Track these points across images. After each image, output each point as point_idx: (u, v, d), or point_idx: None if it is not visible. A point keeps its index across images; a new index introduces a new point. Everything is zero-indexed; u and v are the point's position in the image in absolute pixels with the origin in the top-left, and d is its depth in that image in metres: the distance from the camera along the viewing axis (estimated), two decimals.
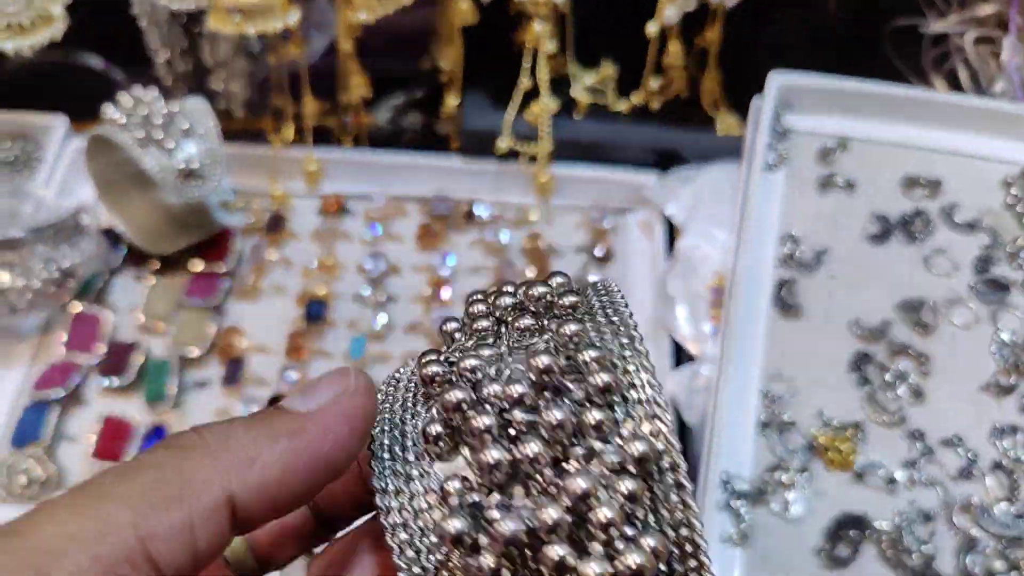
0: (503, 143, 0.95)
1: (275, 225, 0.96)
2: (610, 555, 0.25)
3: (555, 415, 0.26)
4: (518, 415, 0.27)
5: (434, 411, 0.28)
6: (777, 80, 0.86)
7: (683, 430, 0.82)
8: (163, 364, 0.85)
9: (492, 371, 0.28)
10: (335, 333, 0.89)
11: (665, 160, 0.96)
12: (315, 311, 0.89)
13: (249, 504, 0.25)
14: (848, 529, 0.69)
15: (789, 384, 0.75)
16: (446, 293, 0.91)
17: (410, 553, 0.27)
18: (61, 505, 0.24)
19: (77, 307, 0.87)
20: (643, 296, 0.92)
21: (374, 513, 0.30)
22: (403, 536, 0.27)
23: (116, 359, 0.85)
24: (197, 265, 0.91)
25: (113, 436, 0.81)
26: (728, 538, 0.69)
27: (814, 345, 0.77)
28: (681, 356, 0.86)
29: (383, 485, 0.28)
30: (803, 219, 0.83)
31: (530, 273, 0.93)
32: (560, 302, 0.31)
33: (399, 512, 0.28)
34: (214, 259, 0.91)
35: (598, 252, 0.95)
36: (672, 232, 0.93)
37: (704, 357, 0.83)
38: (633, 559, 0.25)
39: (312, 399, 0.28)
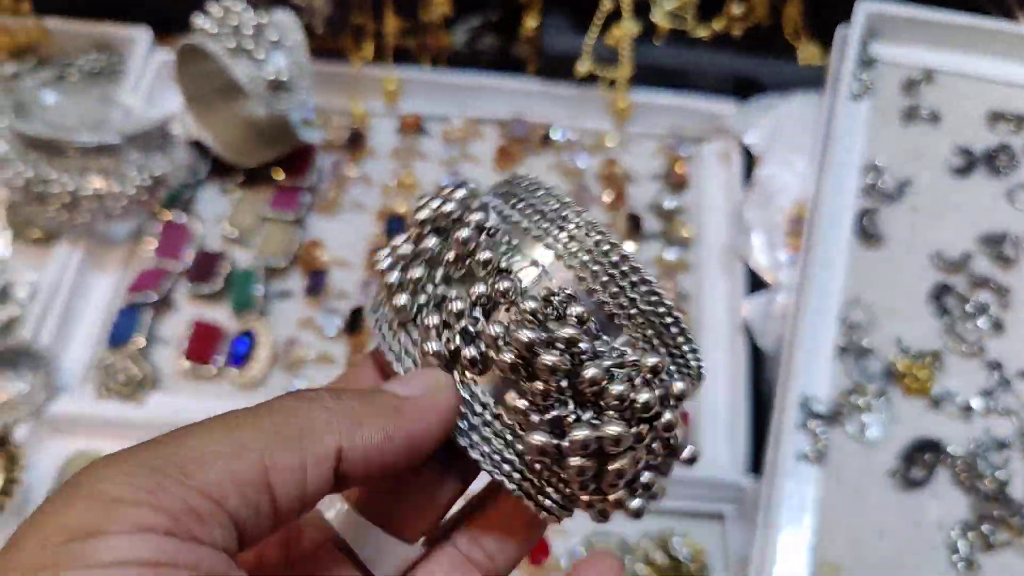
0: (583, 66, 0.95)
1: (354, 142, 0.97)
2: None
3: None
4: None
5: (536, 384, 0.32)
6: (865, 9, 0.85)
7: (757, 355, 0.83)
8: (249, 273, 0.87)
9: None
10: None
11: (744, 88, 0.96)
12: (396, 227, 0.91)
13: (352, 460, 0.29)
14: (923, 453, 0.71)
15: (868, 311, 0.76)
16: None
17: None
18: (201, 427, 0.28)
19: (166, 215, 0.90)
20: (717, 224, 0.93)
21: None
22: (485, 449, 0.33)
23: (204, 267, 0.88)
24: (280, 179, 0.93)
25: (203, 339, 0.84)
26: (804, 456, 0.71)
27: (894, 274, 0.78)
28: (756, 284, 0.86)
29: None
30: (886, 150, 0.83)
31: (607, 198, 0.94)
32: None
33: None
34: (296, 174, 0.93)
35: (673, 179, 0.95)
36: (749, 161, 0.93)
37: (779, 285, 0.84)
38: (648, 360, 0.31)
39: (408, 388, 0.32)
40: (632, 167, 0.97)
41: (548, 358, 0.31)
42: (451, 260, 0.34)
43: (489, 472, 0.33)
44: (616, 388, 0.31)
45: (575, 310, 0.32)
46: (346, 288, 0.89)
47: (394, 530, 0.35)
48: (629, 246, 0.90)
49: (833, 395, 0.74)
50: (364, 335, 0.85)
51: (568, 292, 0.33)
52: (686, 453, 0.35)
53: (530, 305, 0.31)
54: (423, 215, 0.35)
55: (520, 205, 0.36)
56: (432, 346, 0.33)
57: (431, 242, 0.34)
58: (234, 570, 0.26)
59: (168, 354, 0.85)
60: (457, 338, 0.33)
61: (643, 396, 0.31)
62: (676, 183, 0.95)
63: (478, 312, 0.33)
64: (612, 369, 0.31)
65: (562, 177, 0.96)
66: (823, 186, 0.80)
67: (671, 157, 0.97)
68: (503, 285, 0.32)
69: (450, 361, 0.33)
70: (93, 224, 0.86)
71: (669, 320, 0.34)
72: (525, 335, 0.31)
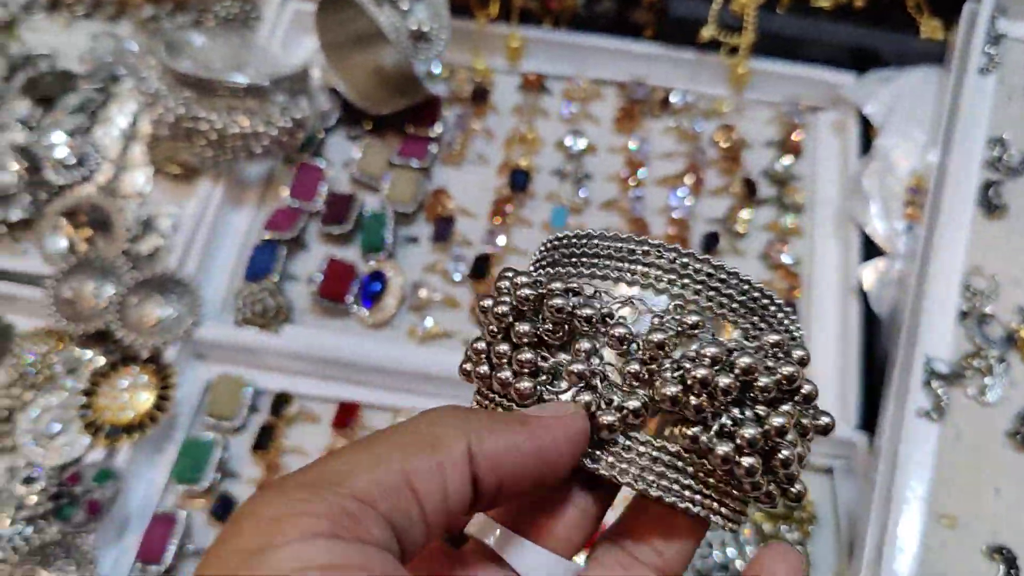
0: (707, 31, 0.97)
1: (478, 97, 1.00)
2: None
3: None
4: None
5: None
6: None
7: (871, 320, 0.86)
8: (380, 216, 0.91)
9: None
10: (535, 203, 0.95)
11: (862, 60, 0.98)
12: (519, 181, 0.94)
13: (482, 465, 0.31)
14: None
15: (990, 279, 0.79)
16: (641, 174, 0.95)
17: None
18: (347, 448, 0.30)
19: (301, 157, 0.94)
20: (831, 192, 0.95)
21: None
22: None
23: (336, 209, 0.92)
24: (409, 128, 0.96)
25: (336, 277, 0.88)
26: (924, 414, 0.74)
27: (1017, 245, 0.80)
28: (869, 250, 0.89)
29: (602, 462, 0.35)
30: (1012, 125, 0.85)
31: (721, 164, 0.97)
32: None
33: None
34: (424, 124, 0.96)
35: (788, 147, 0.98)
36: (867, 132, 0.95)
37: (896, 253, 0.86)
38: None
39: (538, 411, 0.34)
40: (748, 133, 0.99)
41: (724, 380, 0.32)
42: (550, 330, 0.35)
43: (661, 497, 0.34)
44: (763, 380, 0.33)
45: (692, 319, 0.34)
46: (470, 236, 0.92)
47: (549, 547, 0.35)
48: (745, 212, 0.93)
49: (954, 358, 0.76)
50: (489, 281, 0.89)
51: (678, 304, 0.35)
52: (825, 420, 0.35)
53: (658, 337, 0.33)
54: (503, 309, 0.36)
55: (586, 260, 0.37)
56: (524, 384, 0.35)
57: (525, 327, 0.35)
58: (401, 570, 0.28)
59: (301, 290, 0.89)
60: (587, 395, 0.34)
61: (786, 370, 0.33)
62: (791, 150, 0.97)
63: (606, 367, 0.35)
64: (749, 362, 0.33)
65: (678, 141, 0.99)
66: (948, 158, 0.82)
67: (787, 125, 0.99)
68: (618, 332, 0.34)
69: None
70: (234, 162, 0.90)
71: (766, 301, 0.36)
72: (701, 371, 0.32)
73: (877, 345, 0.85)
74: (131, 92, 0.99)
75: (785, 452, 0.33)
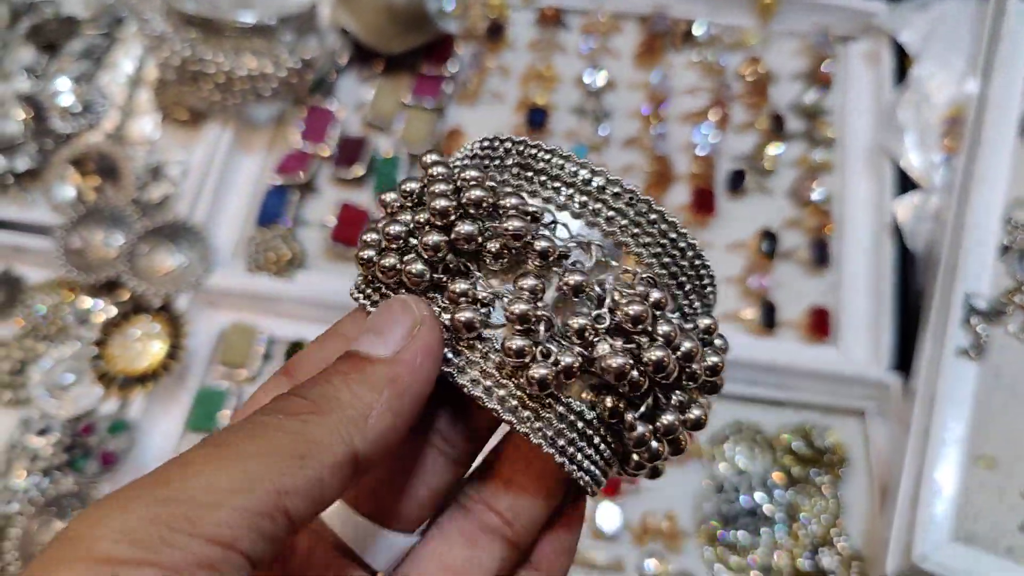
0: None
1: (493, 33, 0.96)
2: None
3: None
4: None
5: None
6: None
7: (906, 256, 0.82)
8: (395, 159, 0.88)
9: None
10: (554, 142, 0.91)
11: None
12: (537, 118, 0.90)
13: (371, 454, 0.27)
14: None
15: None
16: (663, 111, 0.92)
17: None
18: (206, 460, 0.25)
19: (311, 100, 0.91)
20: (863, 125, 0.91)
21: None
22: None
23: (348, 152, 0.89)
24: (422, 67, 0.93)
25: (350, 221, 0.85)
26: (963, 352, 0.71)
27: None
28: (905, 184, 0.85)
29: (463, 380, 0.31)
30: None
31: (747, 99, 0.93)
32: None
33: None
34: (436, 62, 0.93)
35: (817, 79, 0.93)
36: (901, 62, 0.91)
37: (932, 186, 0.83)
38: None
39: (389, 340, 0.29)
40: (775, 65, 0.95)
41: (656, 354, 0.29)
42: (494, 252, 0.31)
43: (563, 463, 0.31)
44: (693, 367, 0.31)
45: (655, 296, 0.30)
46: None
47: (391, 523, 0.33)
48: (772, 147, 0.89)
49: (994, 294, 0.73)
50: None
51: (647, 277, 0.32)
52: (697, 413, 0.33)
53: (635, 309, 0.30)
54: (441, 204, 0.31)
55: (543, 178, 0.33)
56: (466, 315, 0.30)
57: (467, 228, 0.31)
58: None
59: (313, 235, 0.87)
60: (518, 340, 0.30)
61: (713, 360, 0.32)
62: (820, 82, 0.93)
63: (548, 312, 0.31)
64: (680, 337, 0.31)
65: (702, 75, 0.95)
66: (989, 86, 0.78)
67: (816, 56, 0.94)
68: (573, 280, 0.30)
69: (479, 336, 0.31)
70: (243, 105, 0.87)
71: (707, 281, 0.34)
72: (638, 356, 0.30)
73: (912, 283, 0.81)
74: (136, 36, 0.96)
75: (682, 439, 0.32)
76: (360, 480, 0.28)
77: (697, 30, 0.96)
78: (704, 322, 0.33)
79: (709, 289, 0.34)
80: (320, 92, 0.92)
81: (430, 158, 0.33)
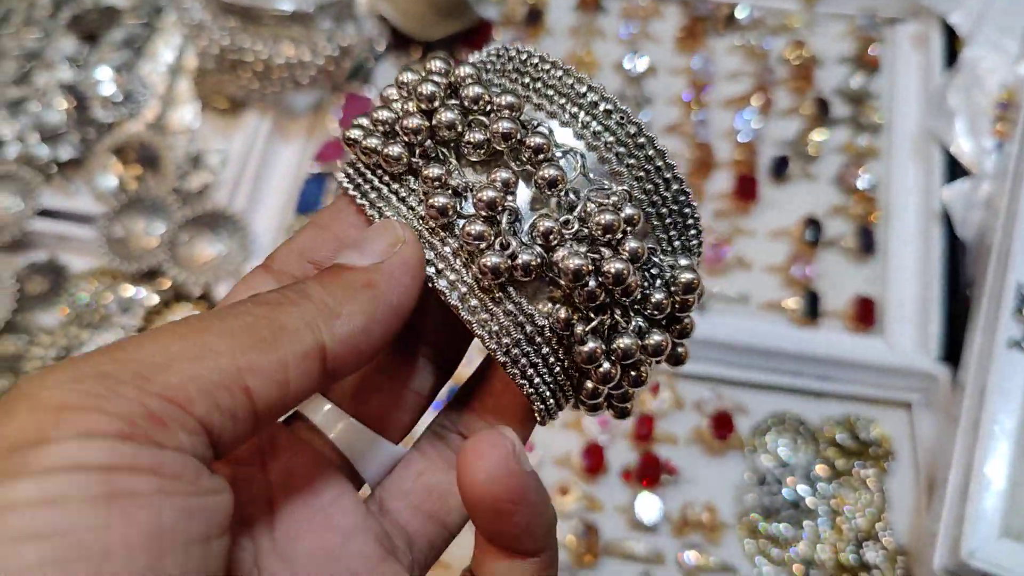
0: None
1: (532, 19, 0.95)
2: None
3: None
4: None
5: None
6: None
7: (955, 244, 0.80)
8: None
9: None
10: None
11: None
12: None
13: (339, 353, 0.27)
14: None
15: None
16: (704, 97, 0.90)
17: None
18: (164, 331, 0.25)
19: (350, 87, 0.91)
20: (911, 110, 0.89)
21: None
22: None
23: None
24: (459, 53, 0.92)
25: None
26: (1015, 344, 0.69)
27: None
28: (955, 171, 0.83)
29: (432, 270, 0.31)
30: None
31: (791, 83, 0.91)
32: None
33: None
34: (475, 49, 0.92)
35: (864, 62, 0.91)
36: (951, 45, 0.88)
37: (983, 173, 0.80)
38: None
39: (370, 252, 0.29)
40: (820, 49, 0.93)
41: (632, 280, 0.30)
42: (474, 142, 0.31)
43: (505, 364, 0.31)
44: (658, 296, 0.31)
45: (628, 211, 0.30)
46: None
47: (379, 429, 0.34)
48: (817, 133, 0.87)
49: None
50: None
51: (623, 189, 0.31)
52: (680, 350, 0.34)
53: (607, 218, 0.30)
54: (427, 89, 0.31)
55: (539, 85, 0.33)
56: (440, 200, 0.30)
57: (448, 115, 0.31)
58: (205, 476, 0.24)
59: None
60: (477, 225, 0.30)
61: (684, 296, 0.32)
62: (867, 66, 0.91)
63: (518, 203, 0.31)
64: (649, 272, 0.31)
65: (745, 60, 0.93)
66: None
67: (862, 39, 0.92)
68: (549, 173, 0.30)
69: (449, 224, 0.31)
70: (281, 94, 0.87)
71: (692, 220, 0.33)
72: (619, 263, 0.30)
73: (961, 272, 0.79)
74: (175, 25, 0.96)
75: (643, 371, 0.32)
76: (332, 383, 0.29)
77: (740, 13, 0.94)
78: (682, 261, 0.32)
79: (693, 232, 0.33)
80: (358, 79, 0.92)
81: (433, 57, 0.33)
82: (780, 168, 0.87)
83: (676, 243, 0.33)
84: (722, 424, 0.76)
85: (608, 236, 0.30)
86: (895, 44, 0.92)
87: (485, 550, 0.31)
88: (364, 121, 0.33)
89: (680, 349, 0.33)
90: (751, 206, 0.86)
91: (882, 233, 0.84)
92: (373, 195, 0.32)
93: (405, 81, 0.33)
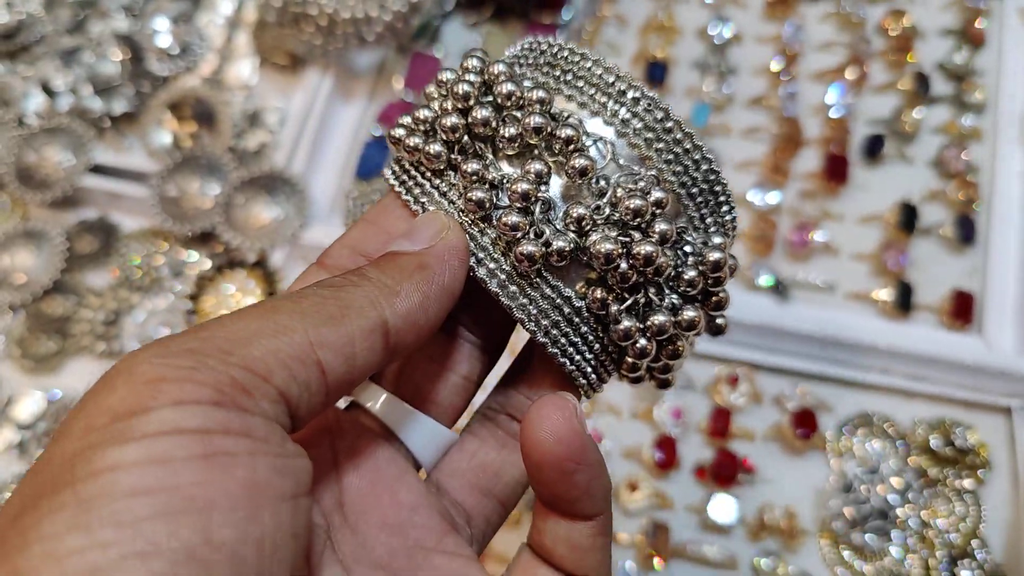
0: None
1: None
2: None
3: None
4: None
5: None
6: None
7: None
8: None
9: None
10: (673, 99, 0.85)
11: None
12: (656, 73, 0.84)
13: (399, 328, 0.29)
14: None
15: None
16: (793, 68, 0.84)
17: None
18: (241, 313, 0.27)
19: (416, 46, 0.86)
20: (1019, 89, 0.82)
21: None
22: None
23: None
24: (534, 14, 0.87)
25: None
26: None
27: None
28: None
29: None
30: None
31: (888, 56, 0.84)
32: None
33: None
34: (550, 9, 0.87)
35: (969, 36, 0.84)
36: None
37: None
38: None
39: (419, 240, 0.32)
40: (921, 20, 0.86)
41: (662, 260, 0.31)
42: (508, 137, 0.33)
43: (545, 344, 0.33)
44: (690, 273, 0.33)
45: (656, 195, 0.31)
46: None
47: (430, 410, 0.36)
48: (915, 111, 0.81)
49: None
50: None
51: (652, 175, 0.33)
52: (720, 322, 0.36)
53: (636, 203, 0.31)
54: (463, 89, 0.33)
55: (569, 77, 0.34)
56: (478, 194, 0.32)
57: (483, 113, 0.33)
58: (289, 443, 0.26)
59: None
60: (513, 216, 0.32)
61: (714, 272, 0.33)
62: (972, 40, 0.84)
63: (552, 193, 0.33)
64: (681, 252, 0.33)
65: (839, 29, 0.86)
66: None
67: (968, 10, 0.85)
68: (579, 163, 0.32)
69: (487, 216, 0.33)
70: (344, 51, 0.83)
71: (723, 199, 0.35)
72: (648, 246, 0.31)
73: None
74: None
75: (680, 345, 0.34)
76: (392, 360, 0.31)
77: None
78: (715, 240, 0.34)
79: (725, 209, 0.35)
80: (425, 38, 0.87)
81: (470, 55, 0.35)
82: (874, 148, 0.80)
83: (708, 220, 0.35)
84: (804, 422, 0.71)
85: (638, 220, 0.31)
86: (1003, 17, 0.85)
87: (545, 516, 0.32)
88: (407, 120, 0.35)
89: (720, 320, 0.36)
90: (841, 188, 0.80)
91: (983, 222, 0.78)
92: (417, 191, 0.34)
93: (444, 80, 0.34)
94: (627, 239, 0.31)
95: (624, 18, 0.88)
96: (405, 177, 0.35)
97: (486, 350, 0.37)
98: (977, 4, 0.85)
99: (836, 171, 0.80)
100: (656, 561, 0.66)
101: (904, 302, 0.75)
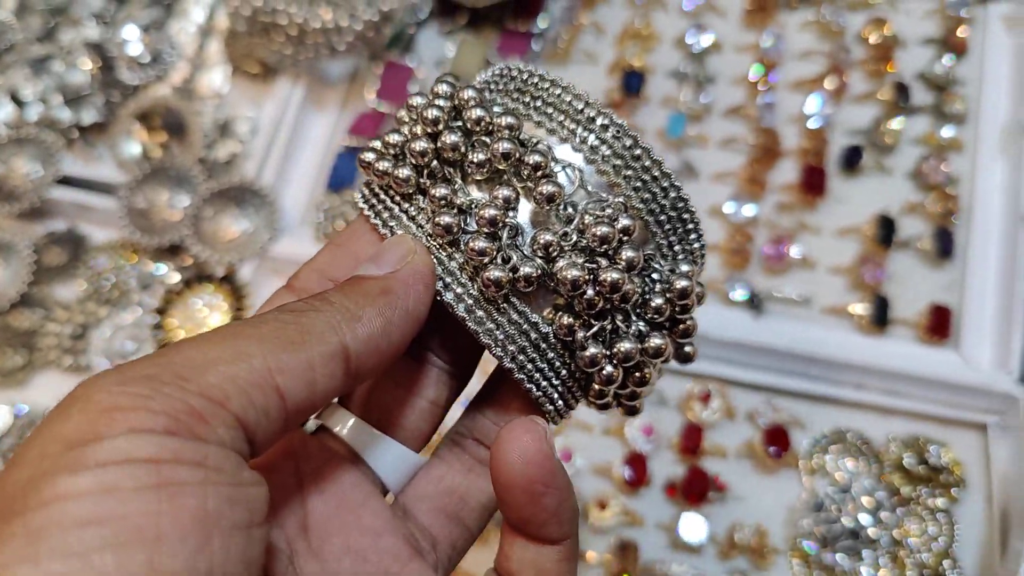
0: None
1: None
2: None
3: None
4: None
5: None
6: None
7: None
8: None
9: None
10: (649, 109, 0.83)
11: None
12: (633, 83, 0.83)
13: (360, 353, 0.29)
14: None
15: None
16: (773, 77, 0.83)
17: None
18: (200, 338, 0.27)
19: (389, 55, 0.85)
20: (1001, 99, 0.81)
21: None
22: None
23: None
24: (509, 22, 0.86)
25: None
26: None
27: None
28: None
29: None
30: None
31: (868, 65, 0.83)
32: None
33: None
34: (526, 17, 0.86)
35: (950, 45, 0.83)
36: None
37: None
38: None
39: (385, 264, 0.32)
40: (902, 28, 0.85)
41: (629, 288, 0.31)
42: (477, 162, 0.33)
43: (512, 370, 0.33)
44: (658, 301, 0.33)
45: (624, 223, 0.32)
46: None
47: (396, 434, 0.36)
48: (895, 122, 0.80)
49: None
50: None
51: (619, 201, 0.33)
52: (688, 349, 0.36)
53: (602, 230, 0.31)
54: (432, 114, 0.33)
55: (538, 103, 0.34)
56: (445, 219, 0.32)
57: (452, 138, 0.33)
58: (245, 470, 0.26)
59: None
60: (482, 240, 0.32)
61: (681, 298, 0.33)
62: (954, 49, 0.83)
63: (520, 219, 0.33)
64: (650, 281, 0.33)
65: (818, 38, 0.85)
66: None
67: (950, 19, 0.84)
68: (547, 189, 0.32)
69: (455, 240, 0.33)
70: (316, 60, 0.82)
71: (691, 226, 0.35)
72: (613, 275, 0.31)
73: None
74: None
75: (647, 372, 0.34)
76: (355, 385, 0.31)
77: None
78: (683, 267, 0.34)
79: (694, 237, 0.35)
80: (398, 47, 0.86)
81: (440, 80, 0.35)
82: (852, 159, 0.79)
83: (676, 247, 0.35)
84: (776, 439, 0.70)
85: (605, 247, 0.31)
86: (986, 26, 0.84)
87: (512, 539, 0.33)
88: (377, 144, 0.35)
89: (688, 348, 0.35)
90: (818, 200, 0.79)
91: (962, 235, 0.77)
92: (386, 215, 0.34)
93: (414, 104, 0.35)
94: (593, 266, 0.32)
95: (601, 26, 0.87)
96: (375, 200, 0.35)
97: (454, 375, 0.37)
98: (959, 12, 0.84)
99: (813, 183, 0.78)
100: None
101: (881, 317, 0.74)
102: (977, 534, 0.67)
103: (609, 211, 0.32)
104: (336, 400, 0.37)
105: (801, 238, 0.78)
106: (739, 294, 0.75)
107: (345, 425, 0.36)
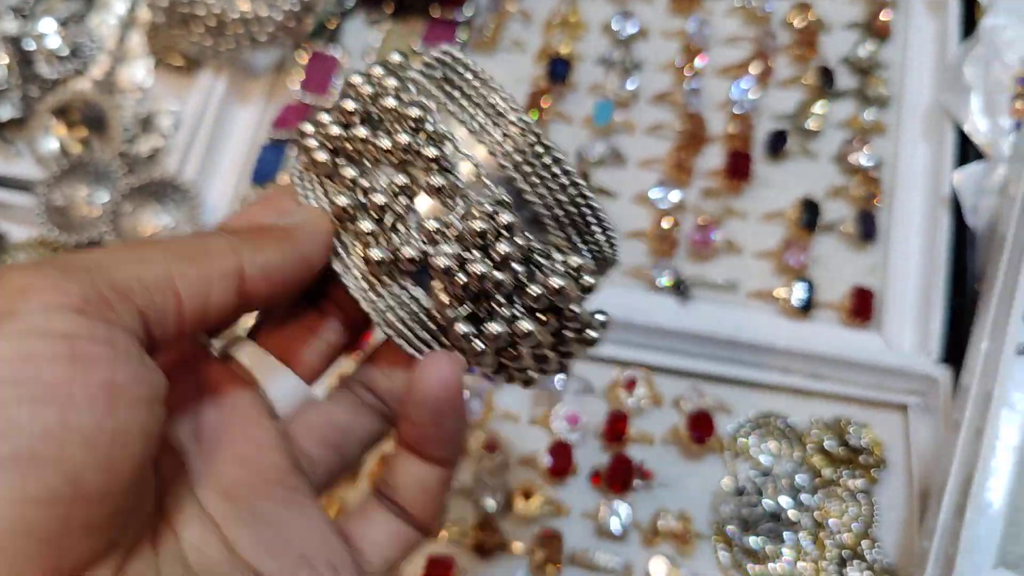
0: None
1: None
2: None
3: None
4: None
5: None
6: None
7: (964, 234, 0.73)
8: None
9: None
10: (576, 96, 0.83)
11: None
12: (559, 70, 0.82)
13: (254, 277, 0.32)
14: None
15: None
16: (699, 63, 0.83)
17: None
18: (107, 247, 0.30)
19: (314, 46, 0.83)
20: (923, 83, 0.81)
21: None
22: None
23: None
24: (435, 10, 0.85)
25: None
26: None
27: None
28: (968, 152, 0.76)
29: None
30: None
31: (793, 50, 0.83)
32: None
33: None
34: (451, 6, 0.85)
35: (874, 29, 0.83)
36: (970, 12, 0.81)
37: (999, 155, 0.73)
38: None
39: (291, 219, 0.35)
40: (827, 13, 0.85)
41: (499, 276, 0.34)
42: (385, 149, 0.35)
43: (391, 336, 0.36)
44: (534, 288, 0.34)
45: (505, 218, 0.33)
46: None
47: (293, 366, 0.39)
48: (819, 106, 0.80)
49: None
50: None
51: (503, 198, 0.34)
52: (592, 335, 0.37)
53: (479, 225, 0.33)
54: (350, 106, 0.36)
55: (456, 94, 0.36)
56: (343, 200, 0.35)
57: (360, 130, 0.35)
58: (147, 358, 0.28)
59: None
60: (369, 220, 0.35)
61: (555, 282, 0.34)
62: (877, 33, 0.83)
63: (419, 205, 0.35)
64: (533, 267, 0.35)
65: (744, 23, 0.85)
66: None
67: (874, 3, 0.84)
68: (435, 180, 0.34)
69: (352, 218, 0.35)
70: (237, 51, 0.80)
71: (592, 220, 0.37)
72: (480, 267, 0.33)
73: (969, 265, 0.73)
74: None
75: (520, 351, 0.36)
76: (247, 309, 0.34)
77: None
78: (573, 260, 0.35)
79: (597, 230, 0.37)
80: (323, 37, 0.85)
81: (377, 64, 0.37)
82: (777, 144, 0.80)
83: (576, 240, 0.37)
84: (700, 425, 0.70)
85: (480, 240, 0.34)
86: (909, 10, 0.84)
87: (404, 457, 0.38)
88: (309, 127, 0.38)
89: (592, 334, 0.37)
90: (744, 185, 0.79)
91: (885, 218, 0.77)
92: (309, 186, 0.37)
93: (353, 83, 0.37)
94: (469, 256, 0.34)
95: (528, 13, 0.86)
96: (303, 170, 0.38)
97: (349, 326, 0.40)
98: None
99: (739, 168, 0.79)
100: (550, 569, 0.65)
101: (805, 300, 0.74)
102: (898, 514, 0.68)
103: (493, 206, 0.34)
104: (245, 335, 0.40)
105: (727, 223, 0.78)
106: (664, 280, 0.75)
107: (245, 351, 0.38)
